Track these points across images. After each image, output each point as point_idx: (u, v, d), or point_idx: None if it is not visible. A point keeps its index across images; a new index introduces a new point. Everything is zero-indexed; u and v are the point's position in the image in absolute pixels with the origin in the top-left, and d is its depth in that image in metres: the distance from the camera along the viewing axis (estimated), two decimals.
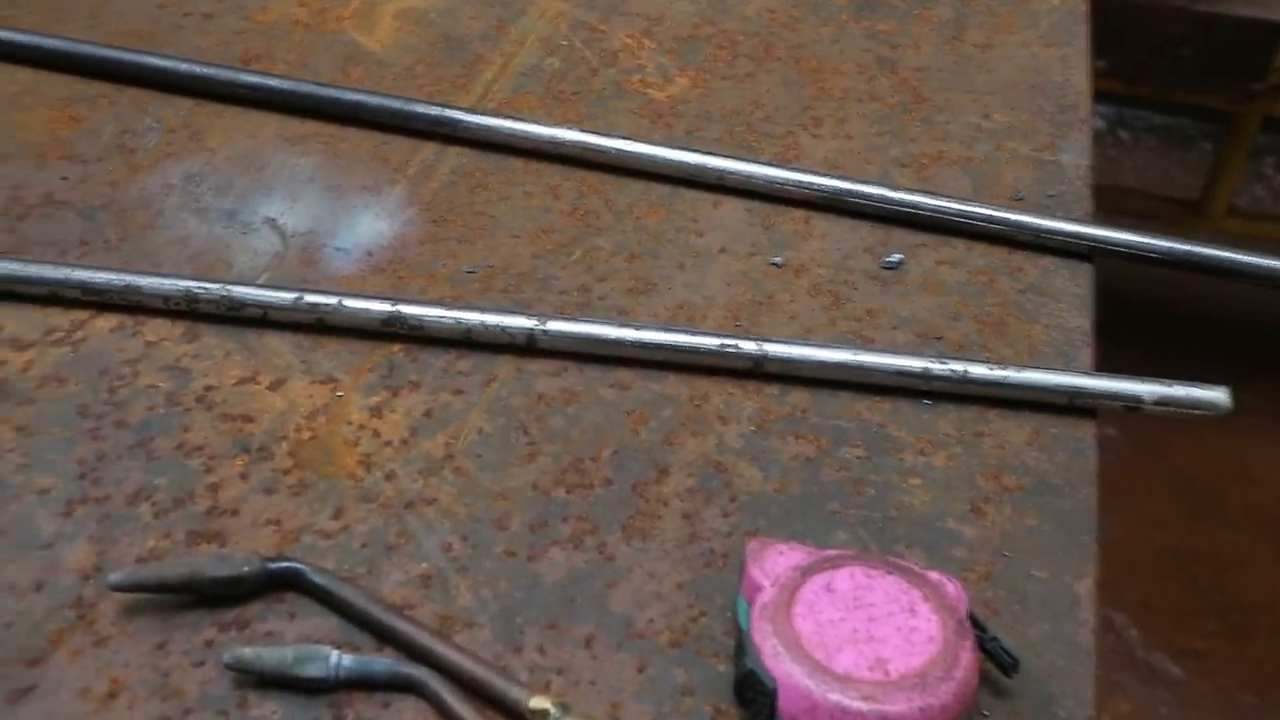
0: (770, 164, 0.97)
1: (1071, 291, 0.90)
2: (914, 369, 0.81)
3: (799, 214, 0.96)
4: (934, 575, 0.65)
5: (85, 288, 0.83)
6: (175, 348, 0.81)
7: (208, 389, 0.79)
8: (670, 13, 1.16)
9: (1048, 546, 0.73)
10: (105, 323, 0.83)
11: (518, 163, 0.98)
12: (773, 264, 0.91)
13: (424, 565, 0.70)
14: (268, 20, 1.12)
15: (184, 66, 1.01)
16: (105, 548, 0.70)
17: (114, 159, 0.96)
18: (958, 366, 0.81)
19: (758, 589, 0.64)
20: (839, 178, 0.96)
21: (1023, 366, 0.82)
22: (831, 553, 0.65)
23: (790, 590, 0.63)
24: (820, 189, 0.95)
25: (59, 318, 0.83)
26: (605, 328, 0.82)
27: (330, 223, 0.92)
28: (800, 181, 0.95)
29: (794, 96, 1.07)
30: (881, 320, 0.87)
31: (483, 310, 0.82)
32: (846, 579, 0.63)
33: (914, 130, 1.04)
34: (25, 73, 1.04)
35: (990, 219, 0.94)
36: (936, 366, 0.81)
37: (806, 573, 0.64)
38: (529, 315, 0.82)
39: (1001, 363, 0.82)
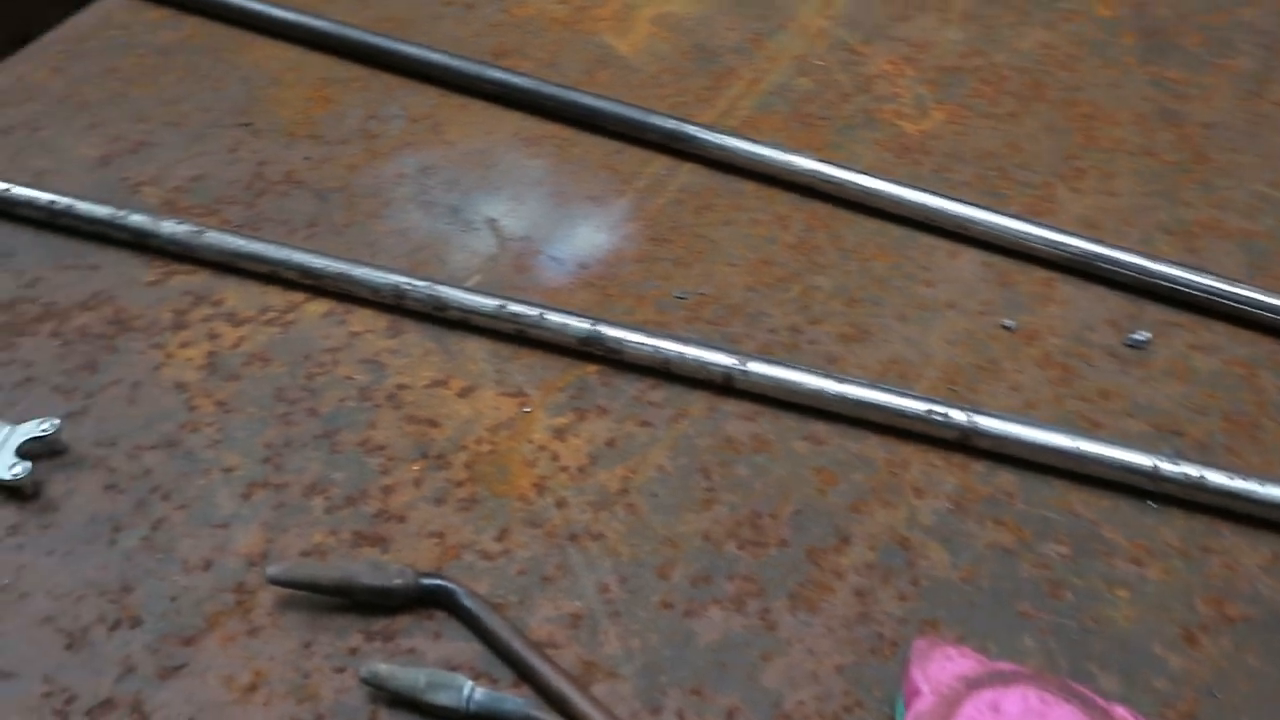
0: (1018, 216, 0.90)
1: None
2: (1141, 465, 0.73)
3: (1042, 274, 0.88)
4: (1120, 711, 0.58)
5: (303, 271, 0.84)
6: (377, 341, 0.82)
7: (400, 387, 0.79)
8: (938, 40, 1.10)
9: (1269, 693, 0.65)
10: (317, 307, 0.84)
11: (749, 186, 0.95)
12: (1003, 326, 0.84)
13: (577, 603, 0.68)
14: (525, 15, 1.12)
15: (435, 57, 1.02)
16: (275, 536, 0.70)
17: (356, 143, 0.98)
18: (1193, 470, 0.73)
19: (916, 693, 0.59)
20: (1093, 240, 0.88)
21: (1271, 480, 0.73)
22: (1004, 667, 0.60)
23: (951, 703, 0.57)
24: (1070, 249, 0.88)
25: (276, 297, 0.85)
26: (807, 376, 0.77)
27: (549, 229, 0.91)
28: (1049, 239, 0.88)
29: (1058, 143, 0.99)
30: (1115, 404, 0.79)
31: (684, 341, 0.79)
32: (1017, 701, 0.57)
33: (1189, 194, 0.95)
34: (293, 51, 1.07)
35: (1262, 305, 0.85)
36: (1167, 466, 0.73)
37: (973, 685, 0.58)
38: (730, 353, 0.78)
39: (1246, 472, 0.74)
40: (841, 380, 0.77)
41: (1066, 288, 0.87)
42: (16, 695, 0.63)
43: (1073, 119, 1.01)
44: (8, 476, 0.71)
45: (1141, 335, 0.84)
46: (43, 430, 0.73)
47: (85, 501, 0.72)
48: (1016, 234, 0.89)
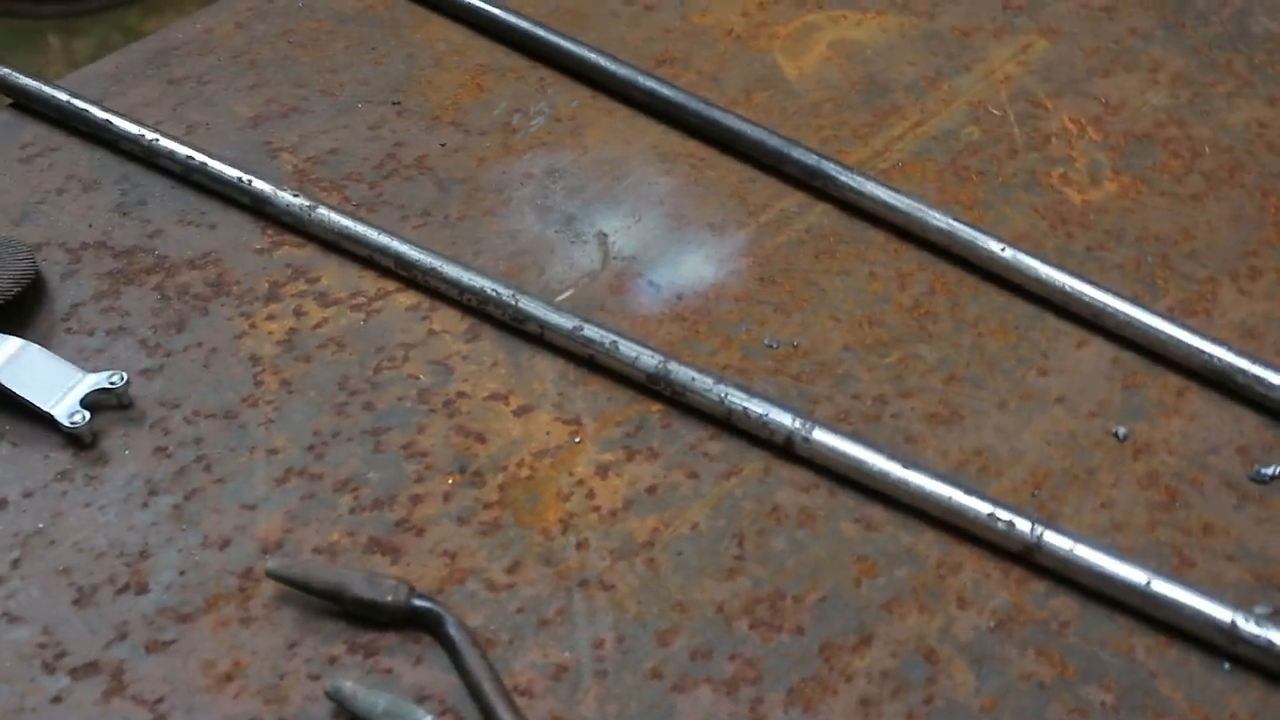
0: (1165, 313, 0.82)
1: None
2: (1219, 619, 0.65)
3: (1176, 381, 0.80)
4: None
5: (399, 260, 0.84)
6: (453, 343, 0.81)
7: (460, 395, 0.78)
8: (1136, 102, 1.01)
9: None
10: (405, 299, 0.84)
11: (879, 236, 0.89)
12: (1113, 434, 0.77)
13: (566, 654, 0.66)
14: (702, 24, 1.09)
15: (590, 55, 1.01)
16: (295, 527, 0.71)
17: (495, 135, 0.97)
18: (1278, 636, 0.64)
19: None
20: (1242, 352, 0.79)
21: None
22: None
23: None
24: (1213, 358, 0.79)
25: (370, 283, 0.85)
26: (873, 454, 0.73)
27: (657, 252, 0.88)
28: (1190, 342, 0.80)
29: (1238, 236, 0.90)
30: (1217, 543, 0.71)
31: (751, 394, 0.75)
32: None
33: None
34: (463, 33, 1.08)
35: None
36: (1249, 626, 0.65)
37: None
38: (798, 415, 0.74)
39: None
40: (909, 465, 0.72)
41: (1200, 401, 0.79)
42: (15, 641, 0.65)
43: (1265, 210, 0.91)
44: (66, 423, 0.74)
45: (1272, 469, 0.75)
46: (111, 383, 0.76)
47: (134, 459, 0.74)
48: (1155, 331, 0.81)
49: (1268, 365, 0.78)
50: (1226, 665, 0.66)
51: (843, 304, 0.85)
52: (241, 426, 0.76)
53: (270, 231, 0.89)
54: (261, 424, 0.76)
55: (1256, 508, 0.73)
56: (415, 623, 0.66)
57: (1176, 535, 0.72)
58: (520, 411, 0.78)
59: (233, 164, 0.90)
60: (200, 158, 0.91)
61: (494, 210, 0.91)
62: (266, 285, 0.85)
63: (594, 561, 0.70)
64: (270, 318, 0.83)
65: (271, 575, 0.66)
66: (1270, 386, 0.78)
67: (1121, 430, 0.77)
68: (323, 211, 0.87)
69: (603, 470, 0.74)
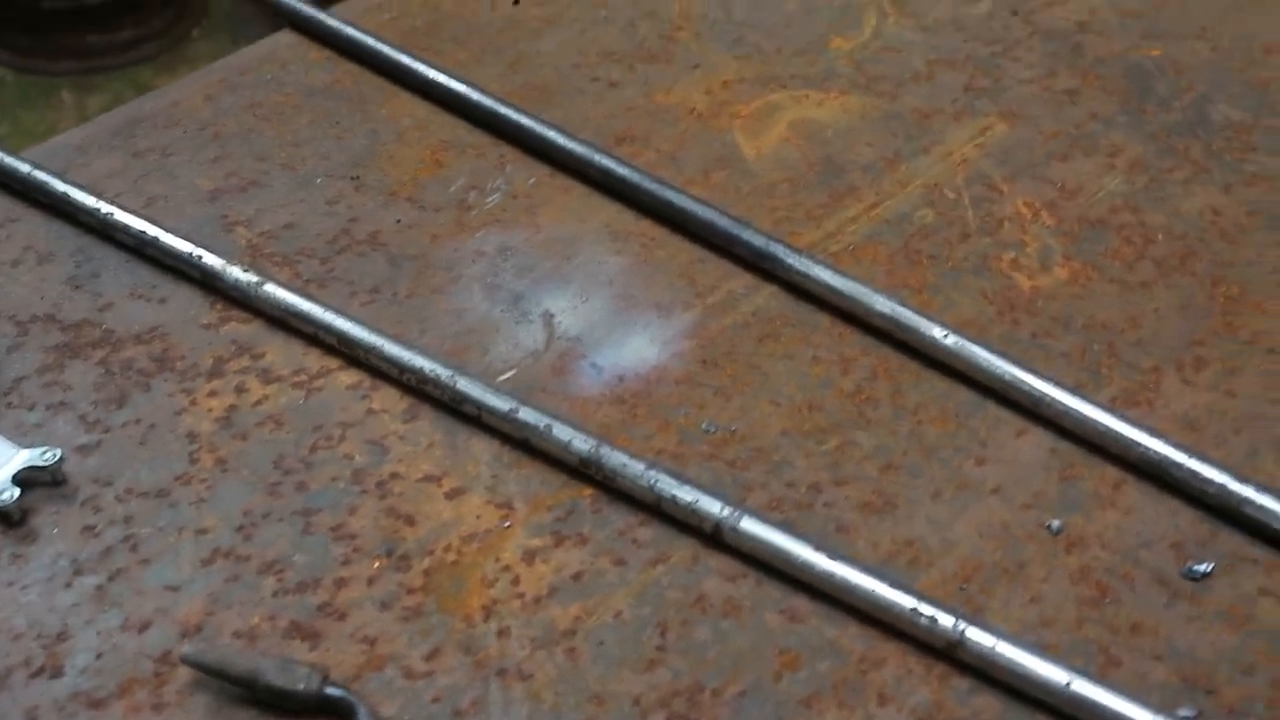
0: (1105, 403, 0.82)
1: None
2: None
3: (1113, 473, 0.80)
4: None
5: (341, 338, 0.85)
6: (391, 423, 0.82)
7: (393, 476, 0.79)
8: (1092, 187, 1.01)
9: None
10: (347, 377, 0.85)
11: (824, 320, 0.90)
12: (1047, 526, 0.77)
13: None
14: (665, 102, 1.10)
15: (548, 133, 1.02)
16: (217, 609, 0.71)
17: (450, 212, 0.98)
18: None
19: None
20: (1180, 445, 0.79)
21: None
22: None
23: None
24: (1150, 450, 0.79)
25: (313, 360, 0.86)
26: (799, 545, 0.72)
27: (602, 333, 0.88)
28: (1128, 434, 0.79)
29: (1186, 325, 0.89)
30: (1144, 642, 0.71)
31: (680, 481, 0.75)
32: None
33: None
34: (427, 108, 1.09)
35: None
36: None
37: None
38: (725, 503, 0.74)
39: None
40: (835, 556, 0.72)
41: (1137, 494, 0.79)
42: None
43: (1214, 299, 0.91)
44: None
45: (1204, 566, 0.74)
46: (45, 460, 0.76)
47: (61, 538, 0.75)
48: (1094, 422, 0.81)
49: (1204, 459, 0.78)
50: None
51: (784, 389, 0.85)
52: (173, 505, 0.76)
53: (219, 306, 0.89)
54: (193, 503, 0.77)
55: (1187, 606, 0.72)
56: (328, 711, 0.66)
57: (1104, 633, 0.71)
58: (452, 494, 0.78)
59: (186, 238, 0.91)
60: (153, 231, 0.92)
61: (443, 288, 0.92)
62: (210, 361, 0.85)
63: (514, 650, 0.70)
64: (211, 394, 0.83)
65: (186, 661, 0.66)
66: (1206, 481, 0.77)
67: (1055, 523, 0.77)
68: (270, 288, 0.87)
69: (530, 556, 0.74)
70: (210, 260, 0.89)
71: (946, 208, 0.99)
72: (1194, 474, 0.78)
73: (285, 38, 1.18)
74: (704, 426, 0.82)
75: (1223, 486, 0.77)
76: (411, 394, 0.83)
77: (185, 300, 0.90)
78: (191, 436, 0.81)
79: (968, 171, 1.03)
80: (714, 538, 0.75)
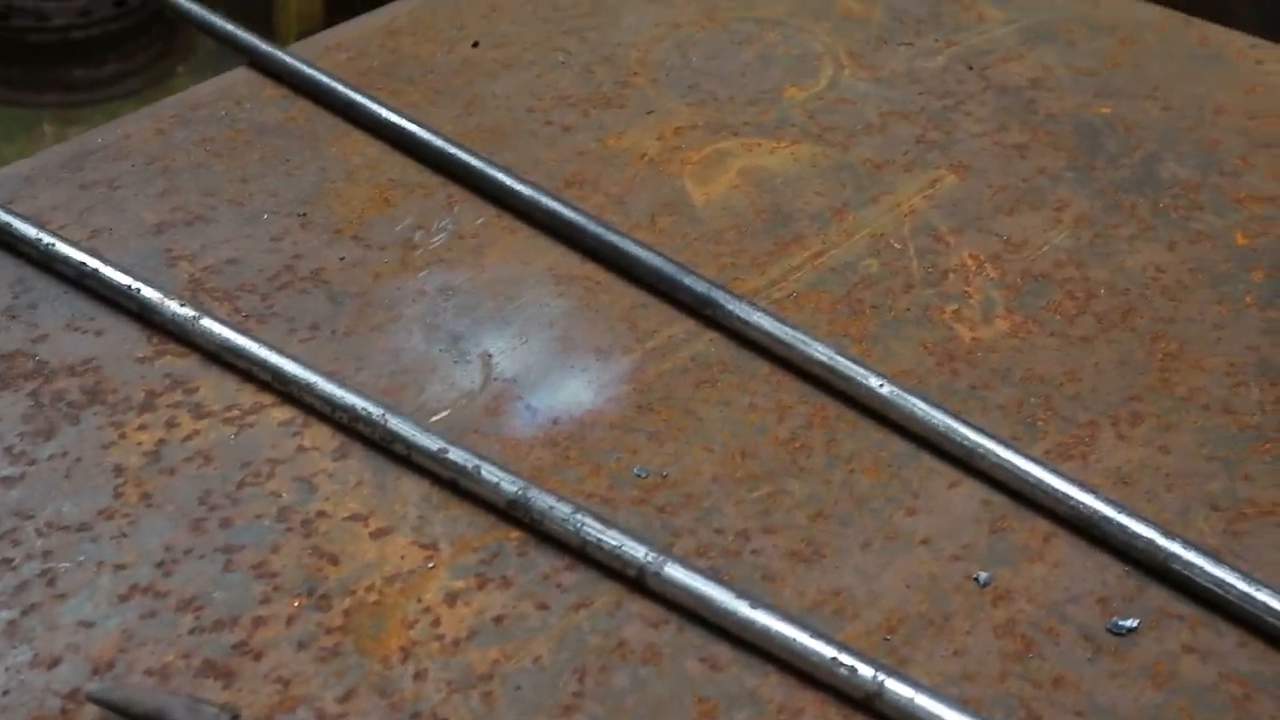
0: (1038, 456, 0.82)
1: None
2: None
3: (1045, 527, 0.80)
4: None
5: (275, 374, 0.85)
6: (320, 460, 0.81)
7: (319, 514, 0.78)
8: (1037, 241, 1.02)
9: None
10: (279, 414, 0.84)
11: (763, 367, 0.90)
12: (975, 579, 0.76)
13: None
14: (617, 146, 1.10)
15: (497, 174, 1.02)
16: (130, 647, 0.70)
17: (395, 250, 0.98)
18: None
19: None
20: (1110, 500, 0.79)
21: None
22: None
23: None
24: (1082, 505, 0.79)
25: (247, 396, 0.86)
26: (721, 592, 0.72)
27: (539, 376, 0.88)
28: (1058, 488, 0.80)
29: (1124, 380, 0.90)
30: (1066, 697, 0.70)
31: (606, 526, 0.75)
32: None
33: (1256, 467, 0.84)
34: (379, 148, 1.10)
35: None
36: None
37: None
38: (650, 548, 0.74)
39: None
40: (756, 605, 0.71)
41: (1067, 548, 0.79)
42: None
43: (1153, 355, 0.92)
44: None
45: (1130, 622, 0.74)
46: None
47: None
48: (1026, 475, 0.81)
49: (1134, 514, 0.78)
50: None
51: (718, 434, 0.85)
52: (94, 540, 0.76)
53: (156, 340, 0.89)
54: (114, 537, 0.76)
55: (1111, 661, 0.72)
56: None
57: (1027, 687, 0.71)
58: (378, 534, 0.77)
59: (128, 271, 0.91)
60: (93, 264, 0.91)
61: (382, 327, 0.92)
62: (143, 394, 0.85)
63: (429, 693, 0.69)
64: (141, 428, 0.83)
65: (92, 699, 0.66)
66: (1134, 535, 0.77)
67: (983, 575, 0.76)
68: (206, 323, 0.87)
69: (452, 598, 0.74)
70: (148, 293, 0.89)
71: (892, 258, 1.00)
72: (1123, 528, 0.78)
73: (242, 74, 1.19)
74: (635, 471, 0.82)
75: (1151, 541, 0.77)
76: (343, 432, 0.83)
77: (122, 333, 0.90)
78: (118, 470, 0.80)
79: (915, 222, 1.03)
80: (638, 583, 0.74)
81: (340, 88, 1.12)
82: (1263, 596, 0.74)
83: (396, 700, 0.69)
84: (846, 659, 0.69)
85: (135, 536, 0.76)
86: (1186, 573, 0.76)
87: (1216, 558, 0.76)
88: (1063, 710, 0.70)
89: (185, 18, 1.22)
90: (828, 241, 1.01)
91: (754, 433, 0.85)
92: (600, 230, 0.97)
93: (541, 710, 0.69)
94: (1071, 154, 1.11)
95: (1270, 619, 0.74)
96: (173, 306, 0.88)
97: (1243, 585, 0.75)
